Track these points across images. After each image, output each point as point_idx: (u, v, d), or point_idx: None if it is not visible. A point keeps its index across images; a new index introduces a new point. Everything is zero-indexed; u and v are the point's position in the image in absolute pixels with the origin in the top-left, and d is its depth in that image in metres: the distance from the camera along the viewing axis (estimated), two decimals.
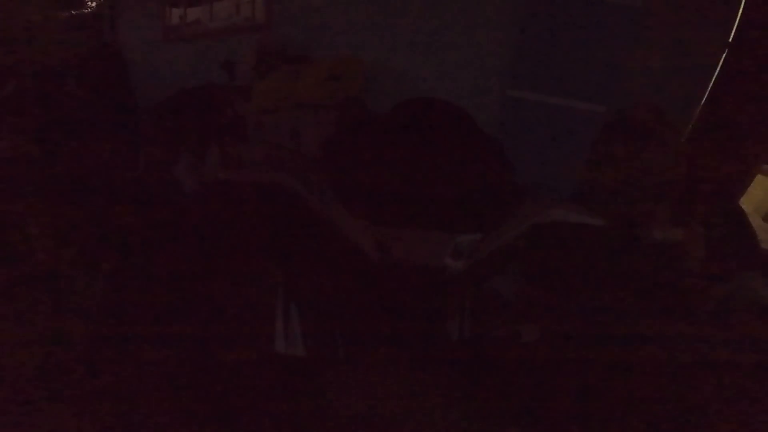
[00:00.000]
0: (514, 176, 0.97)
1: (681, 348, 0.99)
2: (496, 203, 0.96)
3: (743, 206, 1.12)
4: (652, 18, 0.95)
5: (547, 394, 0.97)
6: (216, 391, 0.96)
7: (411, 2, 1.00)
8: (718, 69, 0.97)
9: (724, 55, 0.96)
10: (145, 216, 1.06)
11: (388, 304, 0.97)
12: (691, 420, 0.94)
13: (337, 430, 0.93)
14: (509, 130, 1.00)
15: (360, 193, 0.95)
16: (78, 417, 0.93)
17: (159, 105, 1.14)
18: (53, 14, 1.33)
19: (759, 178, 1.13)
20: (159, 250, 1.04)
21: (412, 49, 1.01)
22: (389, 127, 0.95)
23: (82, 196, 1.13)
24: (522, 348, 1.01)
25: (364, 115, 1.01)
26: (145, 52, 1.27)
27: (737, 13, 0.94)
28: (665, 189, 1.04)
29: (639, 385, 0.96)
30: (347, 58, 1.04)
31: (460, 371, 1.00)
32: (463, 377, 0.99)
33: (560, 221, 0.96)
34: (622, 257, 1.00)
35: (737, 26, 0.95)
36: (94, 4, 1.35)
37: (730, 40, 0.96)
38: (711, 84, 0.98)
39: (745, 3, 0.94)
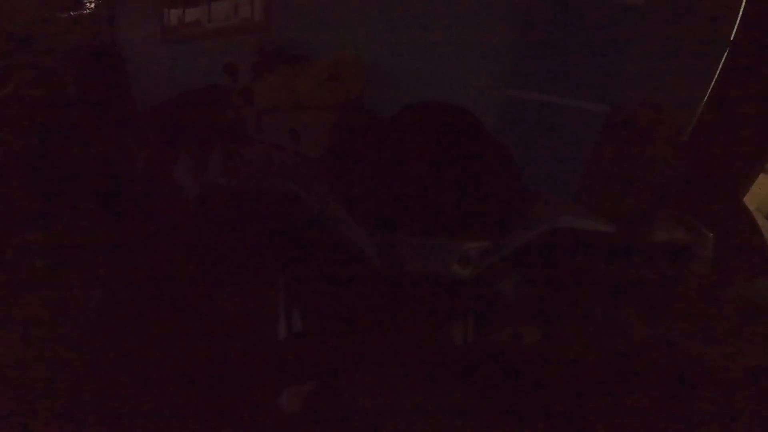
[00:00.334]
0: (521, 181, 0.97)
1: (686, 351, 1.00)
2: (504, 210, 0.96)
3: (747, 205, 1.13)
4: (654, 16, 0.96)
5: (549, 395, 0.98)
6: (220, 393, 0.97)
7: (410, 2, 1.01)
8: (720, 68, 0.98)
9: (725, 53, 0.97)
10: (145, 219, 1.07)
11: (393, 311, 0.97)
12: (695, 422, 0.95)
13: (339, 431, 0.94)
14: (510, 131, 1.00)
15: (363, 198, 0.96)
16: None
17: (160, 107, 1.14)
18: (52, 15, 1.34)
19: (762, 177, 1.14)
20: (159, 253, 1.05)
21: (412, 50, 1.02)
22: (395, 130, 0.95)
23: (81, 199, 1.14)
24: (524, 350, 1.01)
25: (364, 117, 1.01)
26: (144, 53, 1.28)
27: (738, 12, 0.95)
28: (669, 189, 1.04)
29: (642, 388, 0.96)
30: (348, 58, 1.04)
31: (464, 374, 1.01)
32: (468, 380, 1.00)
33: (570, 228, 0.95)
34: (627, 258, 1.01)
35: (739, 24, 0.95)
36: (92, 5, 1.36)
37: (732, 38, 0.96)
38: (713, 83, 0.99)
39: (746, 1, 0.94)
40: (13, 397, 0.96)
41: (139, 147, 1.18)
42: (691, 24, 0.95)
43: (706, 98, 1.00)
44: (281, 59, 1.08)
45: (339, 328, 1.02)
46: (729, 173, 1.06)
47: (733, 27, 0.96)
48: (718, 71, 0.98)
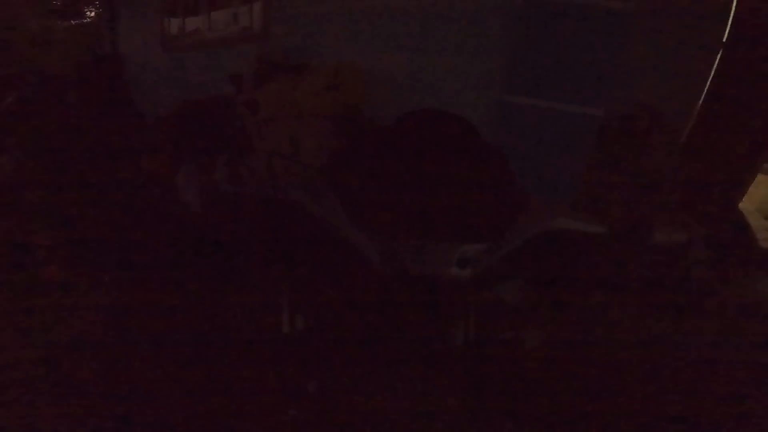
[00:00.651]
0: (516, 185, 1.00)
1: (684, 349, 1.02)
2: (499, 213, 0.99)
3: (746, 205, 1.15)
4: (646, 20, 0.98)
5: (549, 396, 1.00)
6: (222, 394, 1.00)
7: (407, 10, 1.03)
8: (713, 69, 1.00)
9: (719, 55, 0.99)
10: (148, 227, 1.10)
11: (395, 312, 1.01)
12: (693, 419, 0.97)
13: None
14: (507, 136, 1.03)
15: (364, 204, 0.99)
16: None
17: (164, 115, 1.17)
18: (53, 24, 1.36)
19: (761, 177, 1.15)
20: (163, 261, 1.08)
21: (410, 58, 1.04)
22: (393, 138, 0.98)
23: (85, 207, 1.16)
24: (526, 353, 1.04)
25: (363, 124, 1.04)
26: (145, 62, 1.30)
27: (730, 13, 0.96)
28: (666, 191, 1.06)
29: (641, 386, 0.99)
30: (347, 66, 1.07)
31: (465, 375, 1.03)
32: (468, 381, 1.02)
33: (563, 229, 0.99)
34: (625, 260, 1.04)
35: (731, 26, 0.97)
36: (92, 14, 1.38)
37: (725, 39, 0.98)
38: (707, 85, 1.01)
39: (737, 2, 0.96)
40: (21, 397, 1.00)
41: (143, 154, 1.20)
42: (683, 27, 0.97)
43: (701, 101, 1.02)
44: (281, 68, 1.10)
45: (343, 329, 1.05)
46: (724, 175, 1.08)
47: (725, 29, 0.98)
48: (711, 73, 1.00)
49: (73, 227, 1.17)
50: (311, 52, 1.09)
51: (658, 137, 1.04)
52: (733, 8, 0.96)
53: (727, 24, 0.97)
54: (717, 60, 0.99)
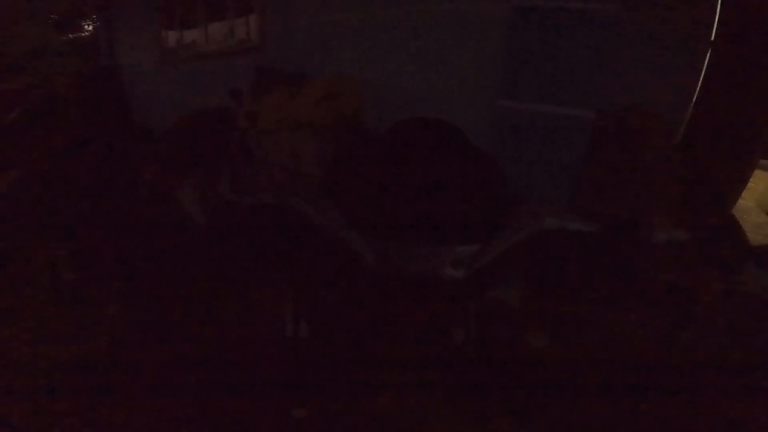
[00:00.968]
0: (507, 188, 1.04)
1: (682, 346, 1.05)
2: (491, 215, 1.04)
3: (746, 202, 1.17)
4: (634, 21, 1.00)
5: (553, 396, 1.04)
6: (234, 399, 1.04)
7: (402, 20, 1.06)
8: (704, 69, 1.02)
9: (708, 54, 1.01)
10: (152, 240, 1.14)
11: (394, 314, 1.05)
12: (692, 418, 1.00)
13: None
14: (502, 140, 1.06)
15: (361, 209, 1.03)
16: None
17: (164, 129, 1.20)
18: (53, 38, 1.38)
19: (760, 173, 1.18)
20: (168, 272, 1.12)
21: (405, 66, 1.07)
22: (386, 146, 1.02)
23: (89, 219, 1.20)
24: (530, 354, 1.08)
25: (360, 133, 1.08)
26: (144, 75, 1.33)
27: (716, 11, 0.99)
28: (663, 190, 1.09)
29: (640, 385, 1.02)
30: (343, 76, 1.10)
31: (466, 375, 1.07)
32: (469, 381, 1.06)
33: (554, 229, 1.03)
34: (622, 260, 1.07)
35: (717, 24, 0.99)
36: (90, 28, 1.40)
37: (713, 38, 1.01)
38: (699, 83, 1.03)
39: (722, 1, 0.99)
40: (38, 406, 1.04)
41: (145, 167, 1.24)
42: (671, 26, 1.00)
43: (694, 99, 1.04)
44: (279, 80, 1.13)
45: (343, 331, 1.09)
46: (721, 172, 1.10)
47: (712, 27, 1.00)
48: (703, 71, 1.02)
49: (77, 239, 1.20)
50: (307, 63, 1.12)
51: (652, 136, 1.07)
52: (719, 6, 0.98)
53: (713, 22, 0.99)
54: (707, 58, 1.01)
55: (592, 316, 1.07)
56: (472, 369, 1.06)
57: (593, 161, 1.06)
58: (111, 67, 1.35)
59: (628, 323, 1.07)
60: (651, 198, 1.08)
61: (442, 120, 1.03)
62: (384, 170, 1.03)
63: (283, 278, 1.11)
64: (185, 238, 1.12)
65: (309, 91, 1.10)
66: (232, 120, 1.12)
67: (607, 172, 1.06)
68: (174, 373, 1.08)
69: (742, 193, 1.15)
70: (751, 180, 1.15)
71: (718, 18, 0.99)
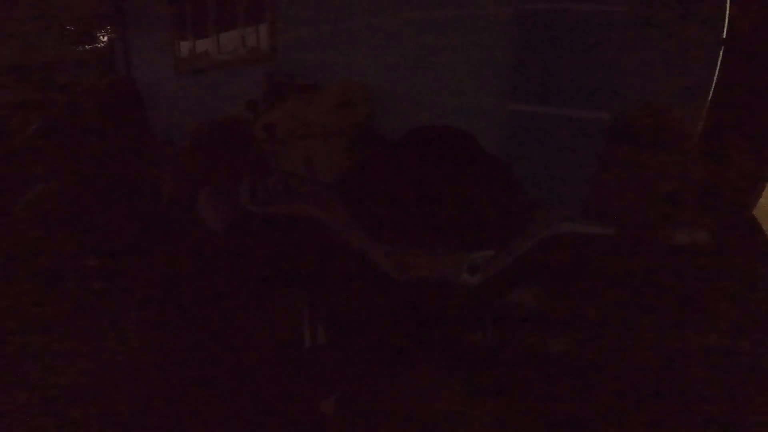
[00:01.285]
0: (520, 193, 1.06)
1: (698, 350, 1.05)
2: (505, 221, 1.05)
3: (765, 200, 1.16)
4: (644, 21, 1.00)
5: (575, 400, 1.05)
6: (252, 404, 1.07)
7: (411, 27, 1.07)
8: (718, 67, 1.02)
9: (721, 52, 1.01)
10: (172, 249, 1.17)
11: (412, 319, 1.07)
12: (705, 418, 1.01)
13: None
14: (515, 144, 1.07)
15: (378, 217, 1.05)
16: None
17: (181, 139, 1.23)
18: (69, 50, 1.42)
19: None
20: (187, 279, 1.15)
21: (416, 72, 1.09)
22: (401, 154, 1.04)
23: (113, 231, 1.23)
24: (551, 358, 1.09)
25: (374, 141, 1.10)
26: (159, 86, 1.36)
27: (726, 9, 0.98)
28: (681, 192, 1.09)
29: (657, 388, 1.03)
30: (355, 84, 1.12)
31: (487, 379, 1.09)
32: (490, 385, 1.08)
33: (569, 233, 1.04)
34: (641, 262, 1.07)
35: (728, 22, 0.99)
36: (105, 39, 1.44)
37: (724, 36, 1.00)
38: (714, 83, 1.03)
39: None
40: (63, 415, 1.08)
41: (164, 177, 1.27)
42: (682, 26, 1.00)
43: (708, 99, 1.04)
44: (292, 88, 1.15)
45: (363, 337, 1.11)
46: (738, 172, 1.09)
47: (723, 25, 1.00)
48: (716, 71, 1.02)
49: (104, 249, 1.24)
50: (318, 71, 1.14)
51: (669, 138, 1.07)
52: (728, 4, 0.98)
53: (724, 20, 0.99)
54: (720, 57, 1.01)
55: (611, 320, 1.07)
56: (491, 373, 1.08)
57: (608, 163, 1.06)
58: (127, 78, 1.39)
59: (647, 327, 1.07)
60: (669, 199, 1.08)
61: (454, 127, 1.04)
62: (398, 178, 1.05)
63: (300, 285, 1.14)
64: (205, 246, 1.15)
65: (321, 98, 1.12)
66: (250, 130, 1.15)
67: (620, 174, 1.06)
68: (196, 375, 1.11)
69: (761, 195, 1.14)
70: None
71: (729, 15, 0.99)
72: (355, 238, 1.07)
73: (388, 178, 1.06)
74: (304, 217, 1.10)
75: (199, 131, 1.20)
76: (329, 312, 1.14)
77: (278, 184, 1.13)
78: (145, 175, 1.29)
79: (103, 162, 1.29)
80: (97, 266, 1.22)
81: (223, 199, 1.15)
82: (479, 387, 1.07)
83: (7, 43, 1.37)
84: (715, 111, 1.04)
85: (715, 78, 1.02)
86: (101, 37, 1.43)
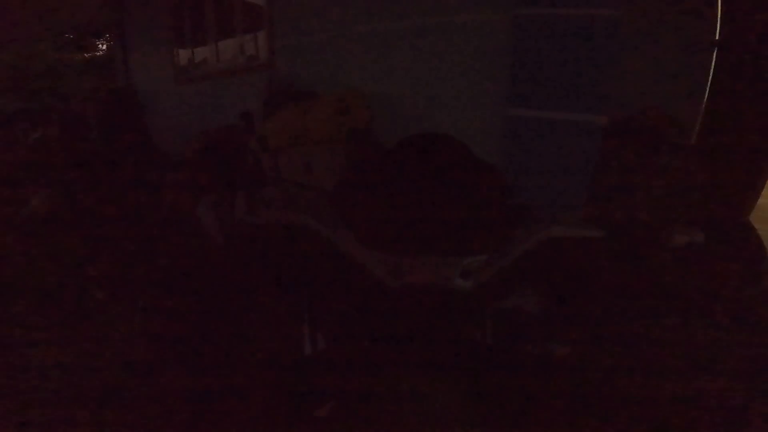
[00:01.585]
0: (512, 199, 1.07)
1: (700, 352, 1.06)
2: (496, 225, 1.07)
3: (765, 201, 1.18)
4: (637, 24, 1.02)
5: (573, 403, 1.06)
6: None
7: (408, 33, 1.09)
8: (712, 68, 1.03)
9: (714, 54, 1.02)
10: (170, 258, 1.18)
11: (407, 325, 1.08)
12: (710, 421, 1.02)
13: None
14: (513, 149, 1.08)
15: (372, 223, 1.06)
16: None
17: (181, 149, 1.24)
18: (69, 58, 1.43)
19: None
20: (185, 288, 1.16)
21: (414, 79, 1.10)
22: (394, 161, 1.06)
23: (112, 241, 1.25)
24: (555, 363, 1.11)
25: (371, 148, 1.11)
26: (159, 94, 1.38)
27: (717, 10, 1.00)
28: (680, 193, 1.11)
29: (659, 389, 1.04)
30: (353, 91, 1.13)
31: (486, 383, 1.10)
32: (488, 389, 1.09)
33: (560, 237, 1.06)
34: (637, 264, 1.09)
35: (721, 23, 1.00)
36: (104, 47, 1.45)
37: (717, 37, 1.02)
38: (708, 84, 1.04)
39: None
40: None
41: (163, 188, 1.28)
42: (674, 27, 1.01)
43: (704, 101, 1.05)
44: (290, 96, 1.17)
45: (359, 343, 1.13)
46: (737, 173, 1.11)
47: (716, 26, 1.01)
48: (711, 72, 1.03)
49: (105, 259, 1.25)
50: (316, 79, 1.16)
51: (667, 140, 1.08)
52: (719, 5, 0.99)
53: (716, 21, 1.00)
54: (714, 58, 1.02)
55: (610, 323, 1.09)
56: (489, 378, 1.09)
57: (606, 166, 1.08)
58: (127, 87, 1.40)
59: (646, 329, 1.08)
60: (666, 202, 1.10)
61: (444, 134, 1.06)
62: (390, 185, 1.06)
63: (298, 293, 1.15)
64: (204, 257, 1.17)
65: (320, 107, 1.14)
66: (246, 141, 1.16)
67: (620, 176, 1.07)
68: (193, 384, 1.13)
69: (760, 195, 1.15)
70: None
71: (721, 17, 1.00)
72: (349, 245, 1.09)
73: (380, 184, 1.07)
74: (299, 225, 1.11)
75: (197, 142, 1.21)
76: (326, 319, 1.16)
77: (275, 195, 1.15)
78: (145, 184, 1.30)
79: (103, 171, 1.30)
80: (98, 275, 1.24)
81: (222, 209, 1.17)
82: (477, 392, 1.08)
83: (7, 51, 1.38)
84: (713, 112, 1.05)
85: (710, 79, 1.04)
86: (101, 46, 1.44)
